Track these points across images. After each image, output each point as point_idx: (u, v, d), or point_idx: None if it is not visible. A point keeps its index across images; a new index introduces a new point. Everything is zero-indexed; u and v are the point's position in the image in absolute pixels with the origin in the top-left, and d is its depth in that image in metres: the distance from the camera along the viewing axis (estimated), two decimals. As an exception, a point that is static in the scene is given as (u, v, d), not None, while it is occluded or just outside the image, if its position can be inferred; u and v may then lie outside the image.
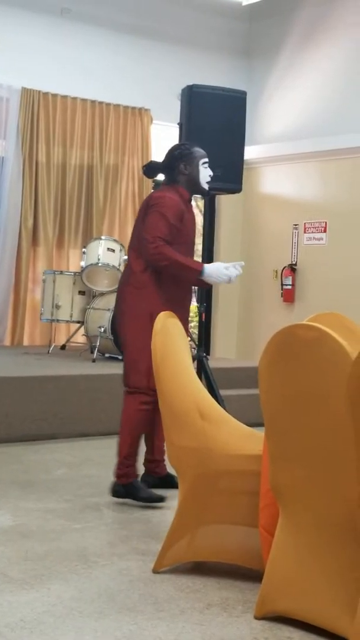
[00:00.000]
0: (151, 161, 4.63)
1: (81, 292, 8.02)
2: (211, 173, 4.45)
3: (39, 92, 8.75)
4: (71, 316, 8.00)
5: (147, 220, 4.23)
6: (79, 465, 5.29)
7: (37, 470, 5.07)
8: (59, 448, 5.79)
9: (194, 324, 8.15)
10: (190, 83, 6.25)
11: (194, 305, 5.73)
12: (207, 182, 4.44)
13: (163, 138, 8.89)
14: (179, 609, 2.94)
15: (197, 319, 6.94)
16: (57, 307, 7.93)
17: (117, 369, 6.66)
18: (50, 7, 8.78)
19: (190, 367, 3.60)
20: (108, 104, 9.20)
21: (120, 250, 7.82)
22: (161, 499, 4.27)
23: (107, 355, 7.61)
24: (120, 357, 7.32)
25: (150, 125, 9.48)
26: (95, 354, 7.41)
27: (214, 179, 4.54)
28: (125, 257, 7.81)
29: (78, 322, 8.08)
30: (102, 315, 7.51)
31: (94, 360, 7.31)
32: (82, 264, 7.85)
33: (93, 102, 9.10)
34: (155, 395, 3.54)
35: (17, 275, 8.65)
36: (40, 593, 3.04)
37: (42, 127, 8.82)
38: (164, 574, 3.29)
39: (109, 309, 7.38)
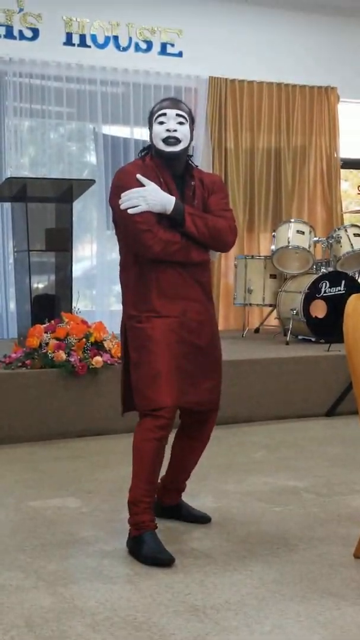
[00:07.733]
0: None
1: (272, 276, 8.08)
2: (170, 127, 3.35)
3: (226, 79, 8.89)
4: (263, 300, 8.08)
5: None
6: (275, 448, 5.35)
7: (236, 453, 5.18)
8: (255, 431, 5.88)
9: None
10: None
11: None
12: (165, 140, 3.36)
13: (349, 116, 8.75)
14: (381, 595, 2.94)
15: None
16: (250, 291, 8.03)
17: (311, 351, 6.71)
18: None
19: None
20: (294, 86, 9.20)
21: (310, 232, 7.79)
22: (169, 561, 3.22)
23: (300, 337, 7.62)
24: (313, 339, 7.35)
25: (337, 104, 9.37)
26: (288, 337, 7.44)
27: None
28: (316, 238, 7.79)
29: (270, 305, 8.15)
30: (294, 297, 7.51)
31: (287, 343, 7.34)
32: (273, 247, 7.89)
33: (279, 84, 9.13)
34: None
35: (210, 261, 8.81)
36: (243, 575, 3.12)
37: (229, 114, 8.95)
38: (366, 559, 3.29)
39: (300, 292, 7.39)
